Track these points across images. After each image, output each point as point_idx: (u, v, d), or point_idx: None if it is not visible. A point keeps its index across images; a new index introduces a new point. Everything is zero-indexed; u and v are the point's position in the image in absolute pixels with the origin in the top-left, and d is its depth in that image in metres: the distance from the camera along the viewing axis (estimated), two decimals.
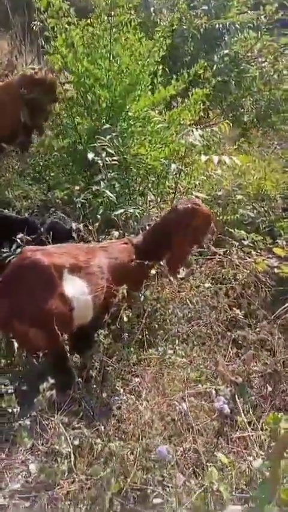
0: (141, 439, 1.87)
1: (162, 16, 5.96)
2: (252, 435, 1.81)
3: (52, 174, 3.09)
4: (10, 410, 1.86)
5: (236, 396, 1.93)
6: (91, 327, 2.07)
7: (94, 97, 2.96)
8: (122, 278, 2.17)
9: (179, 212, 2.38)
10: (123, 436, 1.87)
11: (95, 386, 2.05)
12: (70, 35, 2.86)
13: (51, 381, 1.74)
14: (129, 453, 1.72)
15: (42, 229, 2.46)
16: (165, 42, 2.95)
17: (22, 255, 1.96)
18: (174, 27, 3.61)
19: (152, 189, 3.04)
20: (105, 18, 2.97)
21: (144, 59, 2.88)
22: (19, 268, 1.92)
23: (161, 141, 2.87)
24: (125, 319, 2.23)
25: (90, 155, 2.62)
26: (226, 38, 5.70)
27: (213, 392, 1.98)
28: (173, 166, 2.80)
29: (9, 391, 1.87)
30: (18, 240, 2.27)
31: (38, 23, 3.49)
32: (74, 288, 1.98)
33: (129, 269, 2.24)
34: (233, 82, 5.37)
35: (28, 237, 2.31)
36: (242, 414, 1.86)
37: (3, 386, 1.90)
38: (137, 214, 2.75)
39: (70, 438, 1.80)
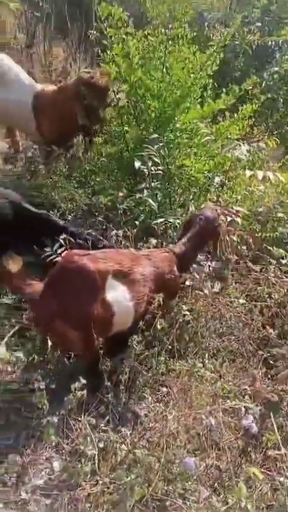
0: (166, 449, 1.87)
1: (215, 31, 6.07)
2: (286, 454, 1.78)
3: (98, 179, 3.15)
4: (39, 406, 1.91)
5: (270, 414, 1.89)
6: (127, 333, 2.08)
7: (144, 106, 3.01)
8: (161, 287, 2.20)
9: (211, 220, 2.46)
10: (147, 445, 1.87)
11: (123, 391, 2.06)
12: (127, 45, 2.92)
13: (83, 381, 1.77)
14: (153, 462, 1.71)
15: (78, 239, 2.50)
16: (218, 57, 2.97)
17: (69, 257, 2.00)
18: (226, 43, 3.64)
19: (193, 200, 3.05)
20: (162, 30, 3.02)
21: (196, 73, 2.90)
22: (65, 271, 1.96)
23: (206, 154, 2.88)
24: (159, 327, 2.25)
25: (137, 164, 2.66)
26: (277, 56, 5.70)
27: (243, 409, 1.95)
28: (217, 179, 2.80)
29: (41, 387, 1.90)
30: (61, 241, 2.32)
31: (94, 32, 3.60)
32: (117, 294, 2.01)
33: (168, 279, 2.26)
34: (281, 100, 5.34)
35: (71, 239, 2.36)
36: (276, 432, 1.82)
37: (35, 382, 1.94)
38: (176, 224, 2.76)
39: (95, 441, 1.82)
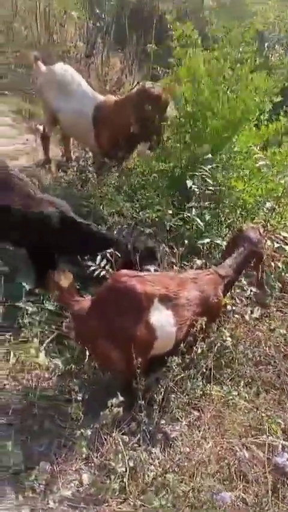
0: (195, 476, 1.85)
1: (274, 52, 6.04)
2: None
3: (147, 194, 3.19)
4: (74, 417, 1.94)
5: None
6: (166, 355, 2.08)
7: (202, 125, 3.02)
8: (205, 310, 2.19)
9: (255, 241, 2.43)
10: (177, 469, 1.85)
11: (156, 410, 2.05)
12: (196, 66, 2.94)
13: (120, 398, 1.78)
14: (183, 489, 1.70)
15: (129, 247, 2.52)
16: (285, 84, 2.94)
17: (118, 277, 2.03)
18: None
19: (240, 223, 3.02)
20: (230, 52, 3.02)
21: (262, 97, 2.89)
22: (113, 291, 1.99)
23: (260, 178, 2.85)
24: (199, 351, 2.24)
25: (189, 183, 2.67)
26: None
27: (280, 446, 1.90)
28: (268, 204, 2.77)
29: (78, 398, 1.93)
30: (108, 255, 2.36)
31: (153, 45, 3.65)
32: (161, 318, 2.02)
33: (212, 302, 2.25)
34: None
35: (117, 253, 2.39)
36: None
37: (72, 392, 1.96)
38: (223, 245, 2.74)
39: (126, 458, 1.82)
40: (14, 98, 5.10)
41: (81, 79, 3.64)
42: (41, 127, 4.52)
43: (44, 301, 2.55)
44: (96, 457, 1.90)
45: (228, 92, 2.98)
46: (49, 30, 6.28)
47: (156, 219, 2.92)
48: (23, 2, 7.09)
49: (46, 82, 3.65)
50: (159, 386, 2.09)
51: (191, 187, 2.69)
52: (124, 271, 2.09)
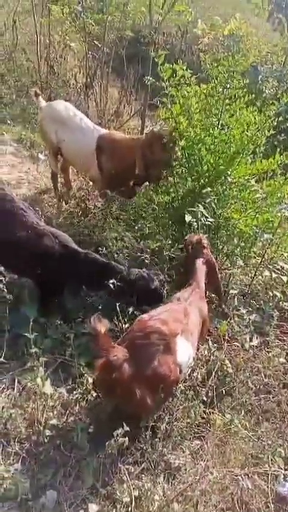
0: (198, 506, 1.88)
1: (268, 84, 6.26)
2: None
3: (148, 225, 3.28)
4: (79, 446, 1.98)
5: None
6: None
7: (198, 159, 3.14)
8: (203, 325, 2.38)
9: (209, 257, 2.66)
10: (180, 499, 1.88)
11: (160, 439, 2.09)
12: (188, 104, 3.09)
13: (126, 428, 1.82)
14: None
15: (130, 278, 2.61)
16: (276, 120, 3.07)
17: (142, 324, 2.10)
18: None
19: (238, 252, 3.11)
20: (220, 90, 3.17)
21: (253, 131, 3.02)
22: (142, 337, 2.04)
23: (256, 209, 2.96)
24: (199, 378, 2.30)
25: (188, 218, 2.77)
26: None
27: (281, 475, 1.94)
28: (266, 236, 2.86)
29: (83, 428, 1.97)
30: (111, 285, 2.44)
31: (150, 78, 3.80)
32: (184, 353, 2.11)
33: (206, 315, 2.44)
34: None
35: (118, 283, 2.47)
36: None
37: (77, 422, 2.00)
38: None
39: (131, 488, 1.86)
40: (15, 127, 5.24)
41: (83, 115, 3.78)
42: (42, 157, 4.66)
43: (48, 330, 2.60)
44: (102, 486, 1.92)
45: (219, 127, 3.11)
46: (49, 61, 6.48)
47: (156, 249, 3.01)
48: (23, 34, 7.36)
49: (46, 117, 3.78)
50: (163, 415, 2.13)
51: (189, 221, 2.78)
52: (145, 316, 2.17)
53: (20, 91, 6.05)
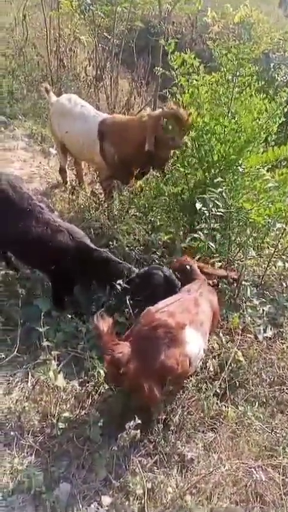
0: (212, 498, 1.87)
1: (280, 71, 6.14)
2: None
3: (159, 217, 3.26)
4: (93, 439, 1.98)
5: None
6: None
7: (208, 149, 3.10)
8: (214, 317, 2.35)
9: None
10: (194, 491, 1.88)
11: (173, 431, 2.08)
12: (198, 93, 3.04)
13: (138, 421, 1.82)
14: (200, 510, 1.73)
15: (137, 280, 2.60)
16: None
17: (149, 317, 2.09)
18: None
19: (250, 243, 3.06)
20: (230, 78, 3.11)
21: (264, 120, 2.96)
22: (148, 330, 2.04)
23: (268, 199, 2.91)
24: (212, 369, 2.28)
25: (198, 205, 2.73)
26: None
27: None
28: (278, 225, 2.82)
29: (96, 421, 1.98)
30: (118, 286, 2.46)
31: (160, 68, 3.75)
32: (193, 344, 2.09)
33: (217, 306, 2.42)
34: None
35: (126, 285, 2.50)
36: None
37: (90, 415, 2.01)
38: (236, 264, 2.79)
39: (144, 480, 1.86)
40: (27, 122, 5.25)
41: (85, 102, 3.75)
42: (53, 151, 4.66)
43: (60, 323, 2.62)
44: (115, 479, 1.93)
45: (229, 116, 3.06)
46: (59, 55, 6.47)
47: (168, 241, 2.99)
48: (33, 28, 7.35)
49: (54, 113, 3.78)
50: (176, 407, 2.13)
51: (200, 209, 2.75)
52: (152, 308, 2.15)
53: (30, 86, 6.05)
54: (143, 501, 1.82)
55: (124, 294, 2.49)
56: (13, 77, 6.12)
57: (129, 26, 6.65)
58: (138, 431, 1.84)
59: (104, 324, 1.93)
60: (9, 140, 4.88)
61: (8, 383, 2.34)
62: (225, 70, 3.16)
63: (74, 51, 6.83)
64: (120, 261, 2.69)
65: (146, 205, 3.40)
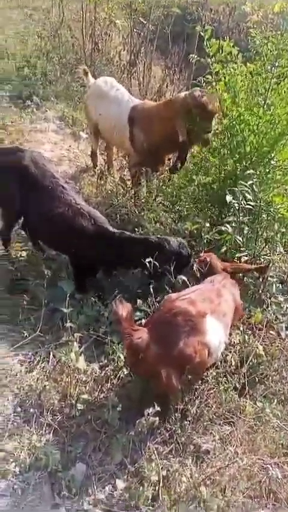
0: (226, 491, 1.87)
1: None
2: None
3: (186, 206, 3.22)
4: (110, 423, 2.00)
5: None
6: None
7: (241, 140, 3.04)
8: (236, 311, 2.32)
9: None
10: (208, 483, 1.88)
11: (190, 421, 2.08)
12: (233, 81, 2.97)
13: (157, 408, 1.83)
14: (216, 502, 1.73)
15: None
16: None
17: (170, 304, 2.09)
18: None
19: (278, 238, 3.01)
20: (268, 68, 3.03)
21: None
22: (168, 317, 2.03)
23: None
24: (233, 362, 2.26)
25: (229, 198, 2.69)
26: None
27: None
28: None
29: (114, 405, 1.99)
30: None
31: (195, 56, 3.68)
32: (213, 333, 2.07)
33: (239, 301, 2.39)
34: None
35: (155, 262, 2.45)
36: None
37: (109, 399, 2.03)
38: (262, 260, 2.75)
39: (159, 467, 1.87)
40: (59, 104, 5.25)
41: (120, 86, 3.72)
42: (84, 135, 4.66)
43: (83, 307, 2.63)
44: (130, 463, 1.94)
45: (265, 107, 2.98)
46: (94, 38, 6.42)
47: (194, 231, 2.96)
48: (69, 10, 7.32)
49: (91, 95, 3.76)
50: (194, 398, 2.12)
51: (230, 202, 2.70)
52: (173, 295, 2.14)
53: (64, 68, 6.03)
54: (157, 488, 1.83)
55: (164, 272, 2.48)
56: (47, 59, 6.11)
57: (165, 11, 6.56)
58: (157, 418, 1.84)
59: (124, 309, 1.92)
60: (41, 122, 4.88)
61: (30, 362, 2.38)
62: (265, 59, 3.09)
63: (109, 35, 6.77)
64: (146, 237, 2.68)
65: (174, 194, 3.37)
